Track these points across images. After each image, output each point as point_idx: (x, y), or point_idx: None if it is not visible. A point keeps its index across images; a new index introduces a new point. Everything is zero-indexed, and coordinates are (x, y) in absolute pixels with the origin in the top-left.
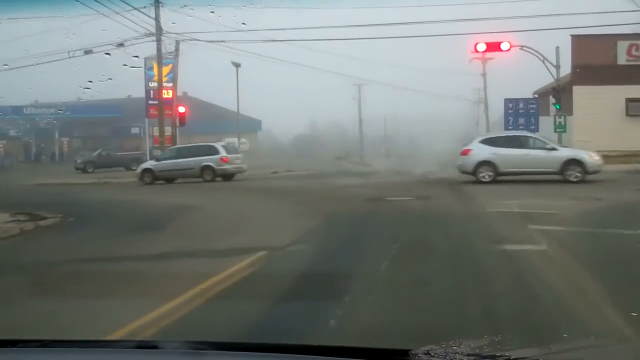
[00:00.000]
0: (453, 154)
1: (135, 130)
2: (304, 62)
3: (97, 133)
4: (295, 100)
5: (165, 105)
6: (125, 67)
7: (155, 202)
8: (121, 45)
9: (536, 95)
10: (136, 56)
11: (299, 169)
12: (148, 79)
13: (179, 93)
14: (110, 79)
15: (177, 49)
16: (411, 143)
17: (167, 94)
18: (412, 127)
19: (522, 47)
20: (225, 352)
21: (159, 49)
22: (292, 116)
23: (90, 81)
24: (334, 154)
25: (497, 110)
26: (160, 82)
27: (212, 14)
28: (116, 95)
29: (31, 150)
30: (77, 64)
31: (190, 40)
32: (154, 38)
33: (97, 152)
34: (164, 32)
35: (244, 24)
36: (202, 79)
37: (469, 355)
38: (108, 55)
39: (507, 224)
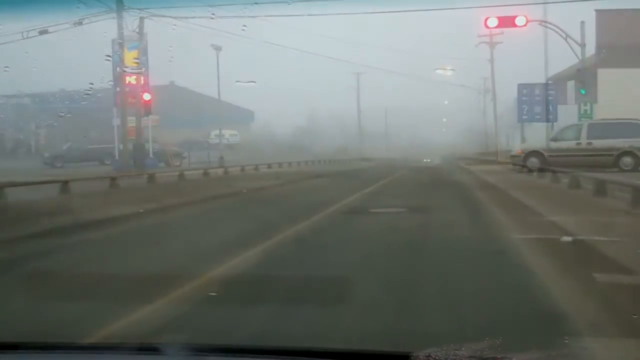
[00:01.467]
0: (456, 147)
1: (117, 121)
2: (301, 48)
3: (78, 124)
4: (293, 90)
5: (130, 93)
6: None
7: None
8: (79, 23)
9: (551, 82)
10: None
11: (287, 165)
12: (116, 63)
13: (166, 82)
14: (111, 81)
15: (140, 27)
16: (413, 136)
17: (133, 81)
18: (414, 119)
19: (541, 22)
20: (226, 355)
21: (120, 27)
22: (290, 107)
23: (92, 83)
24: (332, 147)
25: (505, 99)
26: (122, 65)
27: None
28: (102, 85)
29: (5, 143)
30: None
31: (156, 16)
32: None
33: (67, 145)
34: (125, 7)
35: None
36: (193, 67)
37: (470, 357)
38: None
39: (555, 268)
